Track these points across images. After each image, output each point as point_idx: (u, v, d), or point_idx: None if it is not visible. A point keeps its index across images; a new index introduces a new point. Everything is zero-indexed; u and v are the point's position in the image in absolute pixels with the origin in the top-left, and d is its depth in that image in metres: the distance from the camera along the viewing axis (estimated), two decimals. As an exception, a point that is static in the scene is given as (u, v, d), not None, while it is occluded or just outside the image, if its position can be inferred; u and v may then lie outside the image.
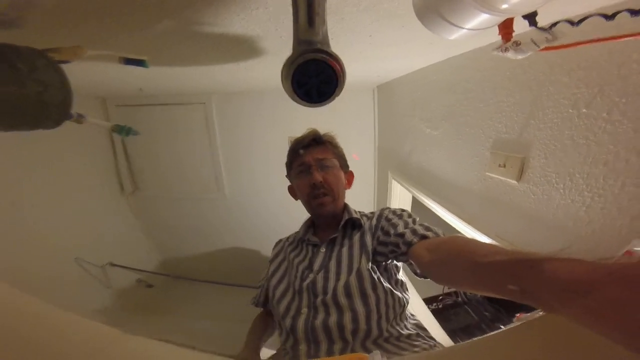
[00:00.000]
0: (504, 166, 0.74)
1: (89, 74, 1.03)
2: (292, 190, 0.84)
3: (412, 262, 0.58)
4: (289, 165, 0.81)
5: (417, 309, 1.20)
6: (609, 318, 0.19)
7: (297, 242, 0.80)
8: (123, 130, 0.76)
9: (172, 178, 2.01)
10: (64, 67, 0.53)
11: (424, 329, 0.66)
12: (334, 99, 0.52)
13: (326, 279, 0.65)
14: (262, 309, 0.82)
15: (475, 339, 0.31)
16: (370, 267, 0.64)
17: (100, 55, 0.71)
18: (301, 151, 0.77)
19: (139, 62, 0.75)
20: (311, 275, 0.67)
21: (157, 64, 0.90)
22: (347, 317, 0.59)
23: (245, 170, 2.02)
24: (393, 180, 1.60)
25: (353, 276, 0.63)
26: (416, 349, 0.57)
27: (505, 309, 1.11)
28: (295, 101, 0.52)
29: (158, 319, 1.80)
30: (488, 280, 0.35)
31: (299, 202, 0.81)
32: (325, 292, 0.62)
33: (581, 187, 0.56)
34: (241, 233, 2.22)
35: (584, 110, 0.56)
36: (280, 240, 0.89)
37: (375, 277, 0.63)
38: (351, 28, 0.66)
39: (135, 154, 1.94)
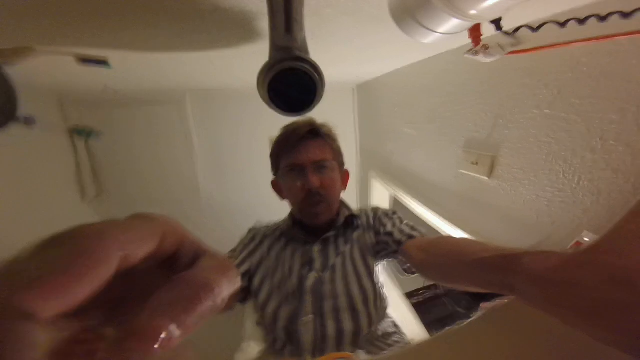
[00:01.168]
0: (476, 164, 0.78)
1: (48, 72, 0.95)
2: (277, 187, 0.74)
3: (402, 259, 0.58)
4: (276, 159, 0.69)
5: (397, 304, 1.24)
6: (577, 303, 0.20)
7: (281, 235, 0.72)
8: (83, 133, 0.70)
9: (145, 180, 1.91)
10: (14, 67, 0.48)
11: (398, 326, 0.68)
12: (312, 108, 0.51)
13: (333, 280, 0.59)
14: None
15: (442, 331, 0.32)
16: (378, 270, 0.63)
17: (53, 54, 0.63)
18: (294, 144, 0.65)
19: (100, 62, 0.67)
20: (311, 276, 0.60)
21: (126, 55, 0.81)
22: (365, 323, 0.56)
23: (225, 171, 1.96)
24: (372, 180, 1.63)
25: (367, 280, 0.60)
26: (400, 344, 0.59)
27: (473, 299, 1.17)
28: (273, 110, 0.50)
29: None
30: (475, 277, 0.36)
31: (284, 202, 0.73)
32: (335, 296, 0.57)
33: (544, 183, 0.61)
34: (221, 237, 2.15)
35: (547, 110, 0.60)
36: (254, 228, 0.77)
37: (381, 280, 0.63)
38: (330, 29, 0.65)
39: (102, 155, 1.82)
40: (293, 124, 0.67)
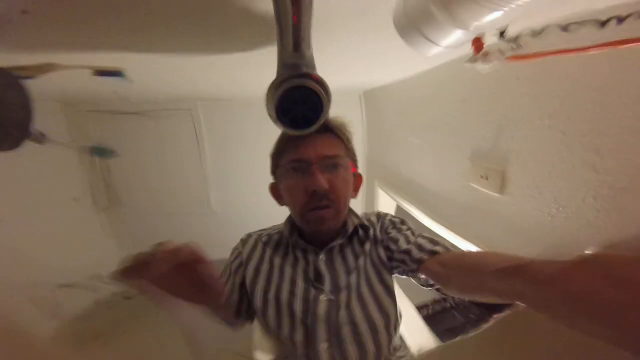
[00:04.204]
0: (487, 178, 0.75)
1: (58, 81, 0.95)
2: (276, 191, 0.63)
3: (423, 276, 0.55)
4: (277, 157, 0.60)
5: (409, 315, 1.22)
6: (582, 306, 0.23)
7: (278, 242, 0.64)
8: (103, 152, 0.72)
9: (155, 191, 1.93)
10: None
11: (403, 339, 0.68)
12: (318, 124, 0.52)
13: (349, 304, 0.54)
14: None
15: (453, 340, 0.34)
16: (394, 287, 0.60)
17: (72, 68, 0.64)
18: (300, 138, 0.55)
19: (116, 74, 0.70)
20: (323, 300, 0.54)
21: (138, 61, 0.74)
22: (385, 345, 0.54)
23: (233, 183, 1.97)
24: (379, 189, 1.62)
25: (386, 300, 0.56)
26: (405, 358, 0.61)
27: (483, 311, 1.15)
28: (279, 127, 0.51)
29: (141, 330, 1.71)
30: (491, 288, 0.38)
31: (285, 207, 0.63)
32: (354, 323, 0.53)
33: (548, 198, 0.59)
34: (229, 247, 2.14)
35: (547, 121, 0.58)
36: (250, 236, 0.69)
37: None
38: (335, 40, 0.65)
39: (114, 166, 1.86)
40: None
